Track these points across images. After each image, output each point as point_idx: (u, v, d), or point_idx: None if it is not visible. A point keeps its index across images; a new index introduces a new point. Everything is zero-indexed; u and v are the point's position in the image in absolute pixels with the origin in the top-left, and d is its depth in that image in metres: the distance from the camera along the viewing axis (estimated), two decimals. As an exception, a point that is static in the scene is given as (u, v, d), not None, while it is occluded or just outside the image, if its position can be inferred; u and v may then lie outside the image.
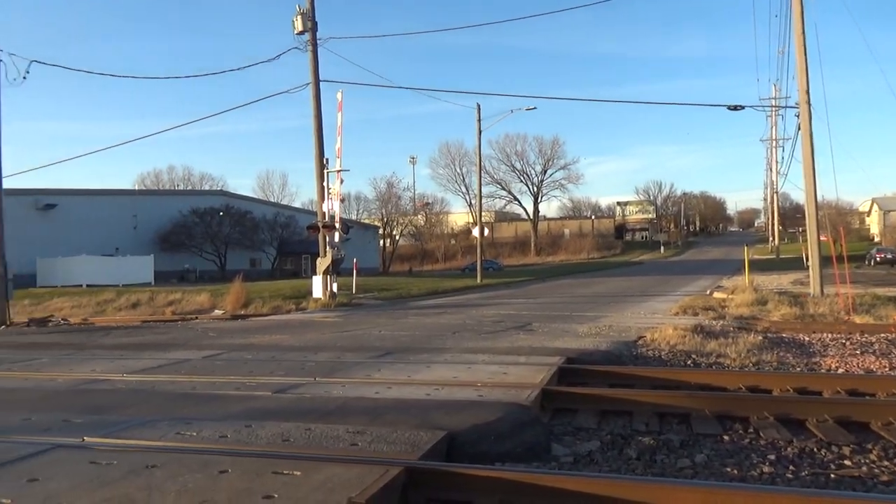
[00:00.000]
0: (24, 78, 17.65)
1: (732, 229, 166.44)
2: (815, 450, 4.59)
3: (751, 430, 5.17)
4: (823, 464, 4.31)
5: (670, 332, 10.45)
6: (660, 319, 13.83)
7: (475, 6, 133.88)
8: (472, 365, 7.54)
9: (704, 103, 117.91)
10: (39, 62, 18.60)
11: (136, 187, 78.43)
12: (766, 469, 4.18)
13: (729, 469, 4.19)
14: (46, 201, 39.22)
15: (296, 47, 21.31)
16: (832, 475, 4.06)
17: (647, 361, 8.55)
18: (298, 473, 3.60)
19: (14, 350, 10.70)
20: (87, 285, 33.23)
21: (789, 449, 4.64)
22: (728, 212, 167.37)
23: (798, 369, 8.05)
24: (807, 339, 10.90)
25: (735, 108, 20.98)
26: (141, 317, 20.45)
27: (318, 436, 4.45)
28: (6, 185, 19.99)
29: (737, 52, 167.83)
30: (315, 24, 21.17)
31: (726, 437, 4.96)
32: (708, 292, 23.09)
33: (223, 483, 3.51)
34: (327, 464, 3.75)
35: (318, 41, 21.28)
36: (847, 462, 4.33)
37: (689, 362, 8.46)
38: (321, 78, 21.54)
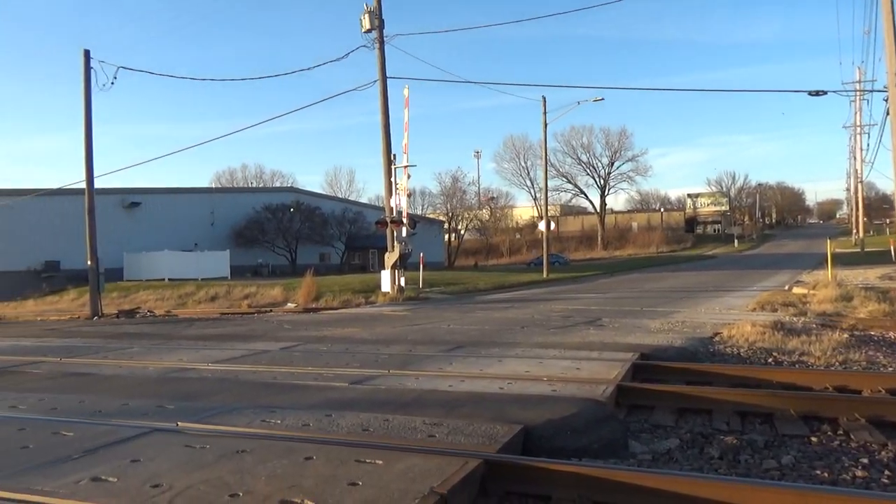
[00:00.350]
0: (112, 83, 18.72)
1: (812, 221, 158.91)
2: (913, 454, 4.37)
3: (840, 431, 4.96)
4: (922, 469, 4.10)
5: (748, 329, 10.10)
6: (736, 315, 13.38)
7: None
8: (544, 360, 7.52)
9: (783, 89, 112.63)
10: (126, 68, 19.66)
11: (213, 185, 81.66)
12: (858, 473, 4.01)
13: (818, 472, 4.04)
14: (132, 199, 41.36)
15: (364, 45, 21.72)
16: (933, 481, 3.85)
17: (724, 359, 8.30)
18: (380, 462, 3.71)
19: (108, 339, 11.39)
20: (169, 279, 34.89)
21: (883, 453, 4.43)
22: (807, 203, 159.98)
23: (890, 369, 7.63)
24: (898, 337, 10.31)
25: (817, 93, 19.98)
26: (219, 309, 21.37)
27: (397, 426, 4.56)
28: (95, 185, 21.25)
29: (815, 34, 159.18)
30: (382, 22, 21.48)
31: (814, 439, 4.77)
32: (787, 288, 22.13)
33: (309, 469, 3.65)
34: (407, 454, 3.85)
35: (384, 38, 21.58)
36: (949, 468, 4.09)
37: (769, 360, 8.16)
38: (388, 75, 21.87)
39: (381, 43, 21.37)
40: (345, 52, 22.05)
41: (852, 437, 4.79)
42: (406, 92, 21.22)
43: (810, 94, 18.80)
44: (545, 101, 34.53)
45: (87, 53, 19.42)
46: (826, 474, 3.99)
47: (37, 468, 3.84)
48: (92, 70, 19.32)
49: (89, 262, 20.36)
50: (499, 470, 3.70)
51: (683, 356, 8.19)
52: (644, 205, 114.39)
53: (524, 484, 3.67)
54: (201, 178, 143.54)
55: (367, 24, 21.17)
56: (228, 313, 19.27)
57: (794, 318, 12.51)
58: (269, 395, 5.89)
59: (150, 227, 42.10)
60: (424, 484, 3.33)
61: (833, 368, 7.57)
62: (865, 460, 4.27)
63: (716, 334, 10.20)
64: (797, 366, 7.82)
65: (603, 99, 34.18)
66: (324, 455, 3.90)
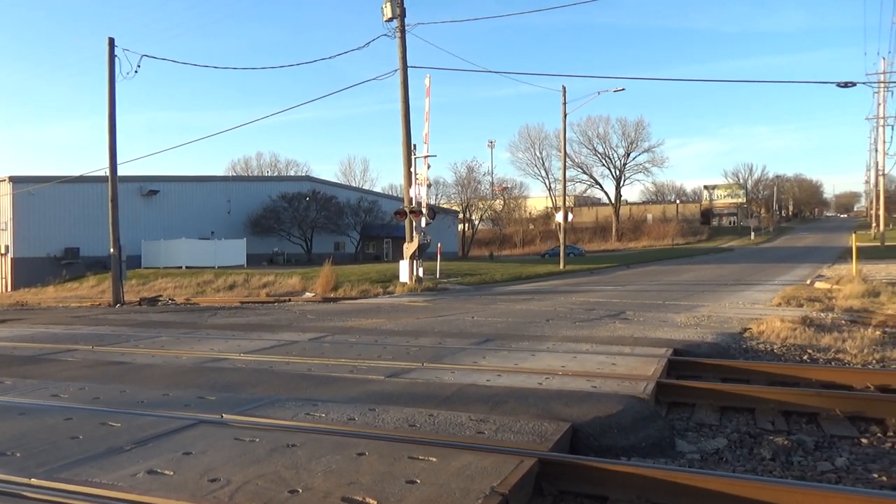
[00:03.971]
0: (136, 71, 18.76)
1: (829, 214, 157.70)
2: (969, 458, 4.28)
3: (889, 433, 4.89)
4: (981, 474, 4.02)
5: (778, 325, 10.00)
6: (761, 310, 13.25)
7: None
8: (578, 354, 7.48)
9: (809, 80, 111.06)
10: (149, 56, 19.69)
11: (229, 174, 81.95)
12: (916, 477, 3.94)
13: (875, 475, 3.97)
14: (150, 187, 41.58)
15: (385, 34, 21.61)
16: None
17: (758, 355, 8.22)
18: (434, 459, 3.69)
19: (135, 328, 11.46)
20: (187, 267, 35.09)
21: (938, 455, 4.36)
22: (824, 195, 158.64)
23: (929, 368, 7.52)
24: (931, 335, 10.16)
25: (845, 84, 19.68)
26: (238, 298, 21.47)
27: (443, 422, 4.54)
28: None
29: (839, 24, 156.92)
30: (403, 11, 21.34)
31: (864, 440, 4.71)
32: (808, 282, 21.90)
33: (364, 466, 3.63)
34: (460, 451, 3.83)
35: (406, 27, 21.46)
36: None
37: (805, 357, 8.07)
38: (408, 64, 21.73)
39: (403, 32, 21.25)
40: (365, 40, 21.97)
41: (903, 438, 4.72)
42: (427, 81, 21.09)
43: (839, 85, 18.51)
44: (565, 92, 34.23)
45: (111, 42, 19.46)
46: (884, 478, 3.92)
47: (91, 459, 3.86)
48: (116, 59, 19.38)
49: (112, 250, 20.51)
50: (553, 469, 3.68)
51: (716, 352, 8.12)
52: (659, 196, 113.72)
53: (579, 484, 3.64)
54: (216, 165, 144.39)
55: (388, 13, 21.05)
56: (248, 302, 19.36)
57: (822, 314, 12.38)
58: (307, 388, 5.89)
59: (167, 214, 42.38)
60: (484, 483, 3.30)
61: (871, 367, 7.46)
62: (921, 463, 4.21)
63: (745, 330, 10.12)
64: (834, 363, 7.72)
65: (623, 89, 33.81)
66: (375, 451, 3.89)
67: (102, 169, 21.56)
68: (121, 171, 21.52)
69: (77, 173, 33.43)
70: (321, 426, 4.56)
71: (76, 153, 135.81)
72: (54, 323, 12.83)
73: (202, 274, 29.41)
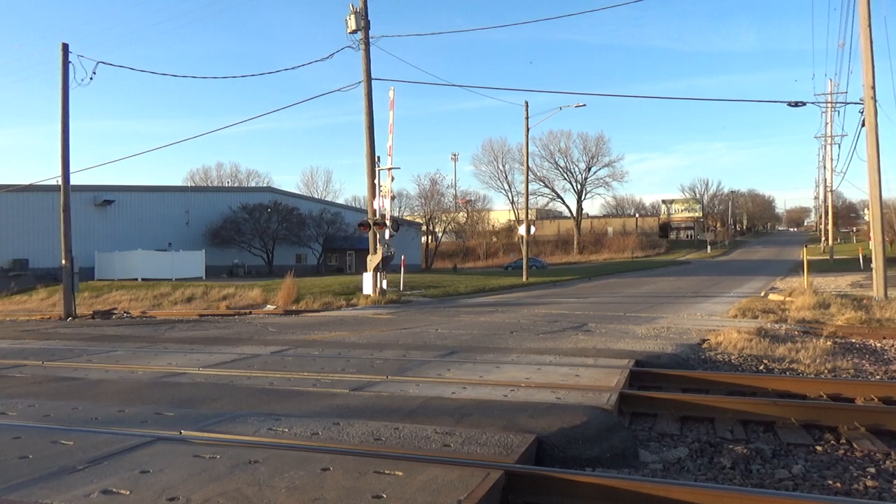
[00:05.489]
0: (91, 78, 18.32)
1: (781, 228, 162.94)
2: (918, 464, 4.43)
3: (843, 440, 5.03)
4: (929, 479, 4.16)
5: (735, 336, 10.24)
6: (718, 322, 13.56)
7: (525, 3, 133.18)
8: (542, 366, 7.52)
9: (762, 100, 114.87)
10: (106, 63, 19.31)
11: (187, 184, 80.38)
12: (869, 483, 4.06)
13: (830, 482, 4.08)
14: (104, 197, 40.51)
15: (349, 46, 21.56)
16: (942, 491, 3.91)
17: (716, 366, 8.39)
18: (400, 473, 3.65)
19: (88, 342, 11.10)
20: (143, 279, 34.25)
21: (888, 462, 4.50)
22: (776, 210, 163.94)
23: (878, 377, 7.79)
24: (878, 345, 10.56)
25: (796, 104, 20.36)
26: (197, 311, 20.99)
27: (408, 435, 4.50)
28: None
29: (789, 45, 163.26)
30: (368, 23, 21.34)
31: (819, 448, 4.83)
32: (763, 294, 22.53)
33: (328, 481, 3.57)
34: (427, 465, 3.79)
35: (370, 39, 21.46)
36: (955, 478, 4.16)
37: (760, 367, 8.27)
38: (372, 76, 21.72)
39: (367, 44, 21.24)
40: (329, 51, 21.88)
41: (855, 445, 4.86)
42: (391, 94, 21.09)
43: (790, 104, 19.15)
44: (527, 106, 34.66)
45: (65, 47, 18.95)
46: (839, 484, 4.03)
47: (41, 480, 3.71)
48: (70, 65, 18.88)
49: (64, 262, 19.86)
50: (520, 481, 3.67)
51: (677, 363, 8.26)
52: (619, 210, 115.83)
53: (545, 495, 3.64)
54: (175, 175, 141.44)
55: (352, 25, 21.02)
56: (208, 315, 18.95)
57: (776, 325, 12.73)
58: (269, 402, 5.77)
59: (122, 225, 41.36)
60: (450, 497, 3.28)
61: (823, 376, 7.68)
62: (873, 470, 4.34)
63: (703, 341, 10.32)
64: (788, 373, 7.93)
65: (584, 105, 34.44)
66: (340, 466, 3.83)
67: (54, 178, 21.04)
68: (73, 180, 20.90)
69: (26, 182, 32.32)
70: (284, 441, 4.47)
71: (24, 161, 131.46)
72: (1, 338, 12.35)
73: (159, 286, 28.69)
